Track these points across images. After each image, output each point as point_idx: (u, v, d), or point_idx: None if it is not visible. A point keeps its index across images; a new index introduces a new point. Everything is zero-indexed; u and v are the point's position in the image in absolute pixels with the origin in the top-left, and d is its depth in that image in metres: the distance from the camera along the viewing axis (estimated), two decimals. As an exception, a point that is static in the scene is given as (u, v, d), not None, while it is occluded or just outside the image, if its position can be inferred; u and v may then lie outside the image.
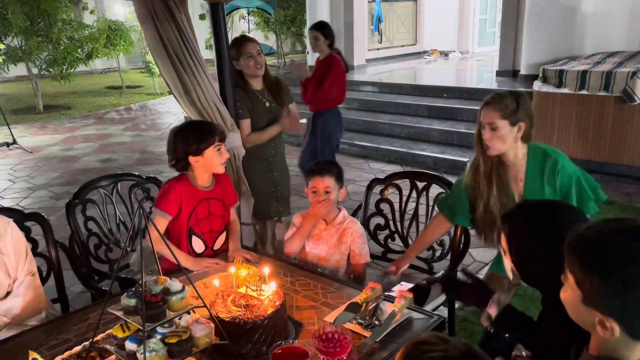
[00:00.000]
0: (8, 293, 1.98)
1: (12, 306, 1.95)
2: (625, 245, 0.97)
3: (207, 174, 2.32)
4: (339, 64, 4.48)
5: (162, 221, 2.24)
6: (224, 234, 2.43)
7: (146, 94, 12.07)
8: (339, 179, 2.37)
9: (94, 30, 10.82)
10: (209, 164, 2.27)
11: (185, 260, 2.18)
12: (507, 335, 1.49)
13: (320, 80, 4.41)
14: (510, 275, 1.49)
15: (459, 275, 1.67)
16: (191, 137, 2.22)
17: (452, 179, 4.53)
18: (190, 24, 2.73)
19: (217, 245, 2.41)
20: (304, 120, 3.55)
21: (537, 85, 5.87)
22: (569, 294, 1.07)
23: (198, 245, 2.35)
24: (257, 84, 3.06)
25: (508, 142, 2.10)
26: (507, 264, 1.46)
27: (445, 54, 11.46)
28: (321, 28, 4.54)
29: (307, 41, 10.31)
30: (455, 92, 7.28)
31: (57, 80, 10.41)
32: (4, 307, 1.95)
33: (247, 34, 3.28)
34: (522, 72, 7.00)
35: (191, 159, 2.24)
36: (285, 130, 3.09)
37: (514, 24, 7.47)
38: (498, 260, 2.41)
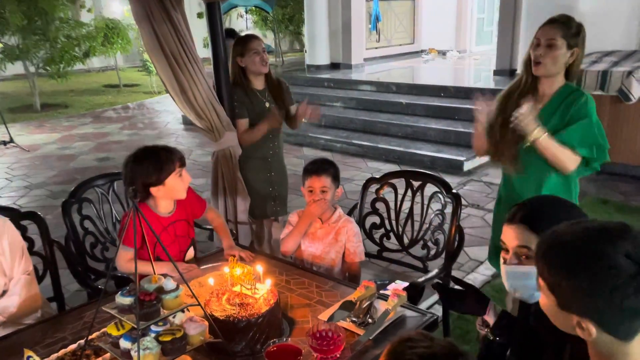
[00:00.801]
0: (4, 292, 1.99)
1: (8, 305, 1.96)
2: (587, 245, 0.97)
3: (169, 200, 2.20)
4: None
5: (127, 255, 2.12)
6: (191, 248, 2.34)
7: (143, 93, 12.07)
8: (336, 178, 2.38)
9: (91, 28, 10.81)
10: (171, 191, 2.13)
11: (160, 269, 2.00)
12: (501, 340, 1.49)
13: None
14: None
15: (452, 284, 1.66)
16: (150, 168, 2.06)
17: (449, 178, 4.53)
18: (186, 24, 2.73)
19: (187, 258, 2.32)
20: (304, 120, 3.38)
21: (534, 85, 5.89)
22: (545, 301, 1.07)
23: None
24: (258, 84, 3.06)
25: (558, 65, 2.09)
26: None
27: (442, 53, 11.47)
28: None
29: (305, 40, 10.34)
30: (452, 91, 7.29)
31: (54, 78, 10.39)
32: (0, 306, 1.95)
33: (252, 33, 3.27)
34: (519, 71, 7.00)
35: (152, 190, 2.09)
36: (275, 126, 3.02)
37: (512, 22, 7.49)
38: (491, 251, 2.45)
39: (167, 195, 2.16)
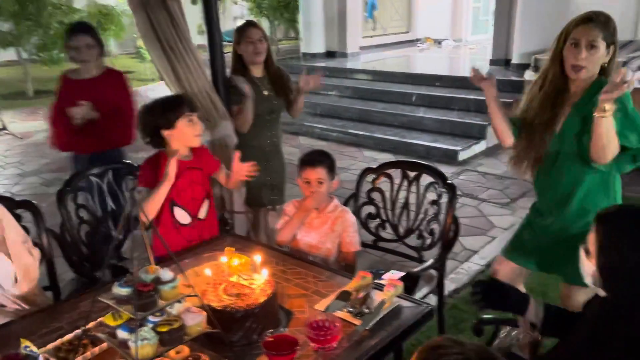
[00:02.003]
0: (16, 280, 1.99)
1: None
2: None
3: (183, 146, 2.29)
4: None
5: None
6: (207, 202, 2.41)
7: (137, 80, 11.94)
8: (331, 169, 2.38)
9: (84, 14, 10.67)
10: (182, 136, 2.24)
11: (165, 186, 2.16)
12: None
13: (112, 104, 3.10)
14: (588, 280, 1.42)
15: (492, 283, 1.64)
16: (160, 110, 2.21)
17: (445, 168, 4.53)
18: (182, 11, 2.71)
19: (202, 214, 2.39)
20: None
21: (529, 75, 5.90)
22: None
23: (182, 216, 2.34)
24: (256, 71, 3.04)
25: (598, 66, 1.97)
26: (589, 266, 1.40)
27: (438, 42, 11.44)
28: (90, 31, 3.17)
29: (301, 27, 10.27)
30: (448, 80, 7.29)
31: (47, 65, 10.28)
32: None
33: (252, 20, 3.22)
34: (514, 60, 7.02)
35: (165, 133, 2.22)
36: (247, 93, 2.90)
37: (508, 12, 7.46)
38: (514, 246, 2.34)
39: (179, 140, 2.25)
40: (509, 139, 2.23)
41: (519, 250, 2.30)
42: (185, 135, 2.24)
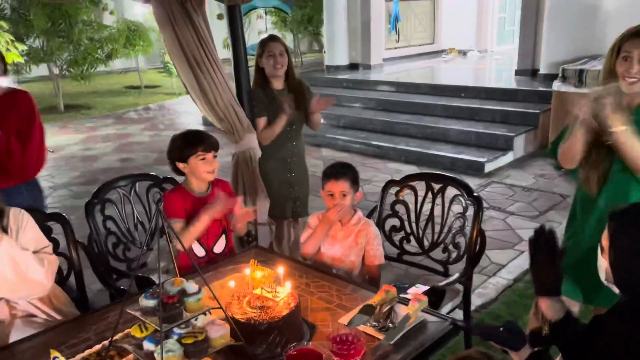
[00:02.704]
0: None
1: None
2: None
3: (199, 181, 2.39)
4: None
5: (177, 226, 2.29)
6: (223, 237, 2.45)
7: (164, 94, 12.20)
8: (355, 182, 2.37)
9: (113, 31, 10.95)
10: (194, 171, 2.35)
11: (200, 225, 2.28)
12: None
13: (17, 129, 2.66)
14: (602, 275, 1.45)
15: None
16: (176, 145, 2.35)
17: (469, 180, 4.47)
18: (207, 27, 2.76)
19: (218, 249, 2.44)
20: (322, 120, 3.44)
21: (557, 85, 5.80)
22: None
23: (198, 250, 2.39)
24: (277, 84, 3.09)
25: None
26: (603, 262, 1.42)
27: (463, 53, 11.36)
28: None
29: (324, 40, 10.35)
30: (473, 91, 7.22)
31: (77, 80, 10.57)
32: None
33: (275, 34, 3.29)
34: (542, 71, 6.92)
35: (178, 165, 2.36)
36: (289, 115, 2.99)
37: (534, 22, 7.37)
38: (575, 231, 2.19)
39: (192, 174, 2.37)
40: (574, 163, 2.12)
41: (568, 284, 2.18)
42: (197, 171, 2.34)
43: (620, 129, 1.84)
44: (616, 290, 1.42)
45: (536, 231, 1.58)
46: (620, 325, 1.38)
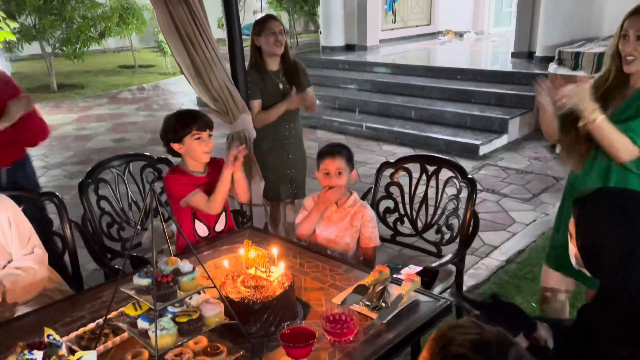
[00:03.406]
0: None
1: (24, 264, 1.99)
2: None
3: (196, 162, 2.36)
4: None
5: (199, 197, 2.32)
6: (224, 215, 2.47)
7: (158, 74, 12.08)
8: (350, 160, 2.38)
9: (106, 8, 10.77)
10: (190, 152, 2.31)
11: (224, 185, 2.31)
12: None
13: None
14: (573, 260, 1.46)
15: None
16: (170, 126, 2.30)
17: (464, 162, 4.47)
18: (202, 5, 2.72)
19: (219, 227, 2.46)
20: (318, 102, 3.44)
21: (553, 68, 5.79)
22: None
23: (202, 229, 2.41)
24: (273, 65, 3.06)
25: None
26: (572, 248, 1.44)
27: (460, 35, 11.29)
28: None
29: (320, 21, 10.23)
30: (469, 73, 7.20)
31: (70, 59, 10.42)
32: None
33: (273, 14, 3.25)
34: (538, 53, 6.89)
35: (174, 146, 2.31)
36: (293, 107, 3.06)
37: (531, 4, 7.31)
38: (551, 253, 2.28)
39: (188, 155, 2.33)
40: (554, 139, 2.20)
41: (557, 257, 2.21)
42: (193, 151, 2.31)
43: (594, 117, 1.85)
44: (588, 273, 1.44)
45: (478, 314, 1.53)
46: (599, 308, 1.40)
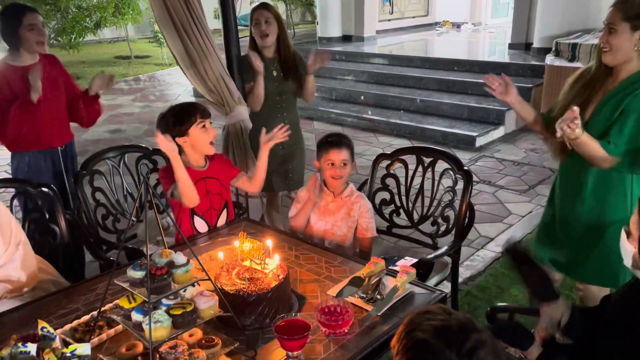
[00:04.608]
0: None
1: (10, 273, 1.96)
2: None
3: (198, 154, 2.31)
4: None
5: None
6: (225, 211, 2.44)
7: (155, 64, 12.01)
8: (353, 151, 2.38)
9: (102, -2, 10.71)
10: (196, 143, 2.25)
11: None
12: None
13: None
14: (627, 261, 1.42)
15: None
16: (172, 120, 2.22)
17: (461, 154, 4.46)
18: (197, -5, 2.70)
19: (220, 223, 2.42)
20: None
21: (550, 59, 5.77)
22: None
23: (201, 225, 2.37)
24: (267, 52, 3.04)
25: (623, 51, 1.88)
26: (629, 247, 1.40)
27: (457, 26, 11.24)
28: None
29: (317, 11, 10.18)
30: (466, 65, 7.17)
31: (66, 49, 10.36)
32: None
33: (266, 2, 3.19)
34: (535, 44, 6.87)
35: (178, 140, 2.22)
36: (258, 68, 2.92)
37: (529, -6, 7.30)
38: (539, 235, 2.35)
39: (193, 147, 2.27)
40: (537, 127, 2.21)
41: (543, 245, 2.28)
42: (199, 142, 2.25)
43: (575, 136, 1.82)
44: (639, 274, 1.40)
45: (507, 250, 1.59)
46: (632, 299, 1.39)
